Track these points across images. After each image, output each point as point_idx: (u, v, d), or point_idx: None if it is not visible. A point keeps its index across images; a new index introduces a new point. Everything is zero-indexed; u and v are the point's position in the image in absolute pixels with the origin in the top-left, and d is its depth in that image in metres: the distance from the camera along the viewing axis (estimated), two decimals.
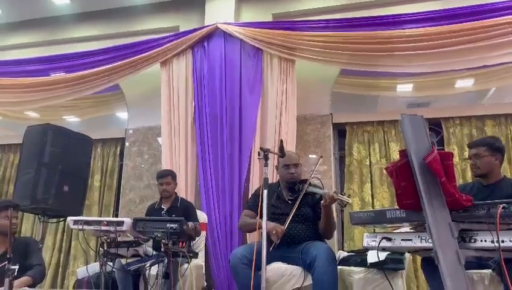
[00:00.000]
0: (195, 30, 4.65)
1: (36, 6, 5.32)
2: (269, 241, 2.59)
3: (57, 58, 5.21)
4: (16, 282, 2.56)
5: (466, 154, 4.03)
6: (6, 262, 2.29)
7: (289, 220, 2.73)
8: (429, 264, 2.34)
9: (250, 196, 3.45)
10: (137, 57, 4.75)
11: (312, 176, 2.95)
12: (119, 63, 4.81)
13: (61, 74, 5.16)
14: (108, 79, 4.88)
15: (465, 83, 4.64)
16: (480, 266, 2.39)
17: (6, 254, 2.34)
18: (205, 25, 4.70)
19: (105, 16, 5.41)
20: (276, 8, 4.83)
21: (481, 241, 1.65)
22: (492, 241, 1.60)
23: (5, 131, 5.67)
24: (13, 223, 2.81)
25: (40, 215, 3.83)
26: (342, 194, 2.61)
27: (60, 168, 3.71)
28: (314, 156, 4.40)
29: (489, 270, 2.34)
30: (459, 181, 3.92)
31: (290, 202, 2.89)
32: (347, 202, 2.59)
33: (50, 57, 5.26)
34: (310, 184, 2.87)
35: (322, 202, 2.67)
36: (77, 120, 6.03)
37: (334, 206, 2.90)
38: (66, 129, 3.96)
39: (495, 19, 3.79)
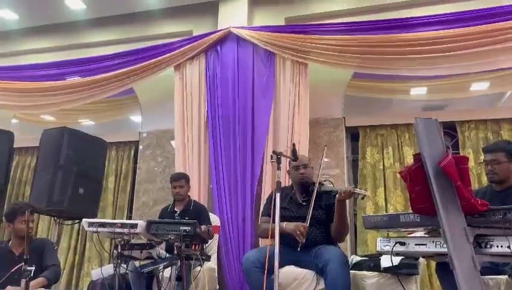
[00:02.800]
0: (208, 34, 4.68)
1: (52, 11, 5.42)
2: (295, 242, 2.63)
3: (72, 63, 5.30)
4: (31, 283, 2.61)
5: (482, 158, 3.97)
6: (23, 263, 2.34)
7: (309, 218, 2.70)
8: (444, 269, 2.31)
9: (264, 201, 3.45)
10: (151, 61, 4.80)
11: (321, 168, 2.88)
12: (134, 67, 4.87)
13: (77, 78, 5.25)
14: (123, 83, 4.95)
15: (480, 86, 4.58)
16: (496, 272, 2.35)
17: (23, 255, 2.39)
18: (218, 29, 4.73)
19: (120, 21, 5.48)
20: (288, 12, 4.84)
21: (497, 246, 1.62)
22: (509, 247, 1.58)
23: (22, 134, 5.77)
24: (29, 227, 2.87)
25: (55, 217, 3.88)
26: (358, 189, 2.59)
27: (76, 170, 3.75)
28: (327, 159, 4.39)
29: (506, 276, 2.30)
30: (475, 185, 3.87)
31: (303, 203, 2.88)
32: (364, 195, 2.57)
33: (66, 62, 5.36)
34: (322, 184, 2.85)
35: (337, 196, 2.64)
36: (92, 123, 6.12)
37: (347, 206, 2.87)
38: (82, 132, 4.01)
39: (510, 21, 3.73)
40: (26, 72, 5.49)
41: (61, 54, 5.70)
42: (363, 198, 2.60)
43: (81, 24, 5.61)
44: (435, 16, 4.04)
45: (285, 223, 2.68)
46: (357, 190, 2.56)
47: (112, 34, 5.57)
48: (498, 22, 3.77)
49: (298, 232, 2.62)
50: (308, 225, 2.68)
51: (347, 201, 2.71)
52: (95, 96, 5.11)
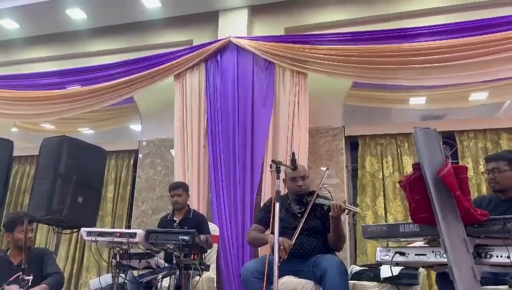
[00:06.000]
0: (208, 44, 4.71)
1: (54, 21, 5.44)
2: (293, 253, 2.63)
3: (73, 72, 5.32)
4: None
5: (481, 168, 3.98)
6: (21, 272, 2.33)
7: (297, 234, 2.71)
8: (444, 279, 2.30)
9: (259, 209, 3.45)
10: (152, 70, 4.83)
11: (320, 187, 2.92)
12: (134, 76, 4.90)
13: (77, 87, 5.27)
14: (123, 92, 4.97)
15: (479, 96, 4.59)
16: (497, 282, 2.34)
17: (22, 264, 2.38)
18: (218, 38, 4.76)
19: (120, 31, 5.52)
20: (288, 22, 4.87)
21: (497, 256, 1.62)
22: (508, 257, 1.57)
23: (22, 142, 5.77)
24: (29, 237, 2.85)
25: (54, 226, 3.87)
26: (350, 205, 2.60)
27: (75, 179, 3.75)
28: (326, 168, 4.39)
29: (506, 286, 2.29)
30: (474, 195, 3.86)
31: (298, 215, 2.88)
32: (355, 212, 2.58)
33: (67, 71, 5.38)
34: (318, 196, 2.86)
35: (330, 213, 2.66)
36: (92, 132, 6.12)
37: (345, 218, 2.88)
38: (81, 141, 4.01)
39: (509, 31, 3.76)
40: (26, 81, 5.52)
41: (62, 63, 5.72)
42: (354, 215, 2.62)
43: (81, 33, 5.65)
44: (434, 26, 4.07)
45: (272, 235, 2.69)
46: (348, 206, 2.58)
47: (113, 43, 5.61)
48: (497, 32, 3.80)
49: (282, 247, 2.60)
50: (293, 241, 2.67)
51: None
52: (95, 105, 5.13)
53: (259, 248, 3.99)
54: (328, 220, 2.75)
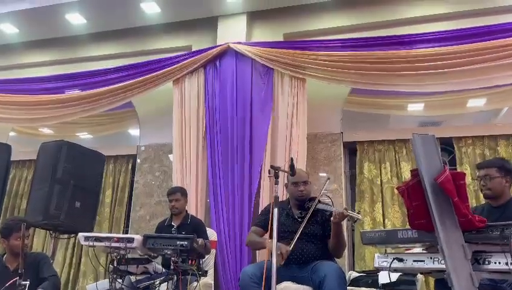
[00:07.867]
0: (207, 49, 4.73)
1: (53, 25, 5.45)
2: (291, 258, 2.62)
3: (72, 76, 5.34)
4: None
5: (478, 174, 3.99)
6: (18, 277, 2.32)
7: (296, 239, 2.70)
8: (442, 286, 2.30)
9: (260, 212, 3.44)
10: (151, 75, 4.84)
11: (321, 194, 2.92)
12: (133, 81, 4.91)
13: (76, 91, 5.27)
14: (122, 96, 4.98)
15: (477, 103, 4.61)
16: (495, 289, 2.34)
17: (18, 270, 2.36)
18: (217, 44, 4.78)
19: (120, 36, 5.53)
20: (287, 28, 4.89)
21: (495, 263, 1.62)
22: (507, 264, 1.57)
23: (20, 147, 5.76)
24: (25, 243, 2.83)
25: (51, 231, 3.85)
26: (352, 211, 2.59)
27: (73, 184, 3.73)
28: (324, 174, 4.39)
29: None
30: (472, 202, 3.86)
31: (299, 219, 2.87)
32: (357, 219, 2.56)
33: (65, 75, 5.40)
34: (319, 202, 2.85)
35: (331, 219, 2.65)
36: (90, 137, 6.11)
37: (344, 225, 2.87)
38: (80, 146, 4.00)
39: (507, 39, 3.79)
40: (25, 86, 5.52)
41: (61, 67, 5.73)
42: (355, 221, 2.59)
43: (81, 38, 5.65)
44: (432, 33, 4.10)
45: (270, 240, 2.68)
46: (351, 213, 2.56)
47: (112, 48, 5.62)
48: (494, 40, 3.83)
49: (279, 253, 2.57)
50: (292, 246, 2.66)
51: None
52: (94, 110, 5.14)
53: (257, 253, 3.98)
54: (329, 226, 2.74)
